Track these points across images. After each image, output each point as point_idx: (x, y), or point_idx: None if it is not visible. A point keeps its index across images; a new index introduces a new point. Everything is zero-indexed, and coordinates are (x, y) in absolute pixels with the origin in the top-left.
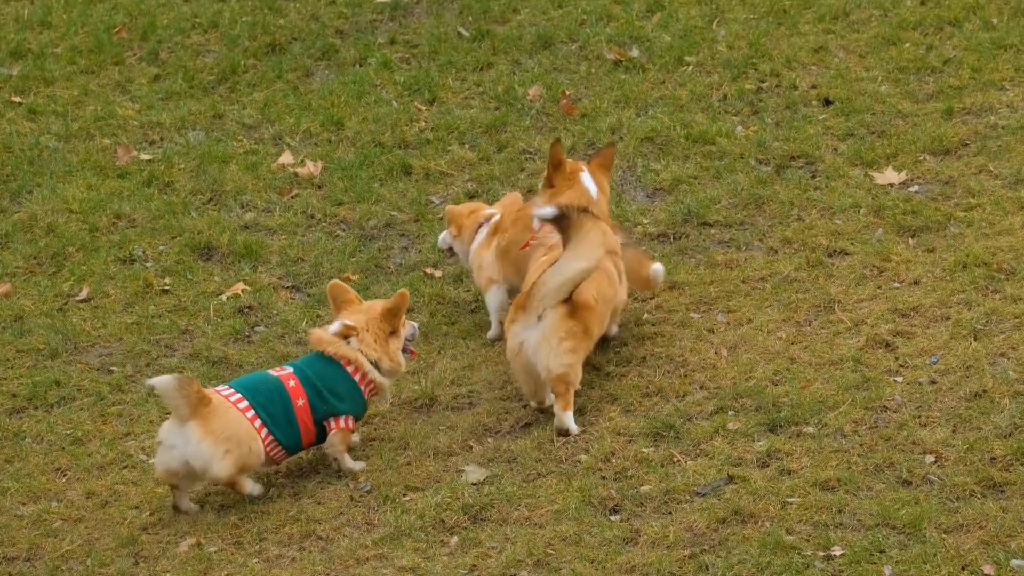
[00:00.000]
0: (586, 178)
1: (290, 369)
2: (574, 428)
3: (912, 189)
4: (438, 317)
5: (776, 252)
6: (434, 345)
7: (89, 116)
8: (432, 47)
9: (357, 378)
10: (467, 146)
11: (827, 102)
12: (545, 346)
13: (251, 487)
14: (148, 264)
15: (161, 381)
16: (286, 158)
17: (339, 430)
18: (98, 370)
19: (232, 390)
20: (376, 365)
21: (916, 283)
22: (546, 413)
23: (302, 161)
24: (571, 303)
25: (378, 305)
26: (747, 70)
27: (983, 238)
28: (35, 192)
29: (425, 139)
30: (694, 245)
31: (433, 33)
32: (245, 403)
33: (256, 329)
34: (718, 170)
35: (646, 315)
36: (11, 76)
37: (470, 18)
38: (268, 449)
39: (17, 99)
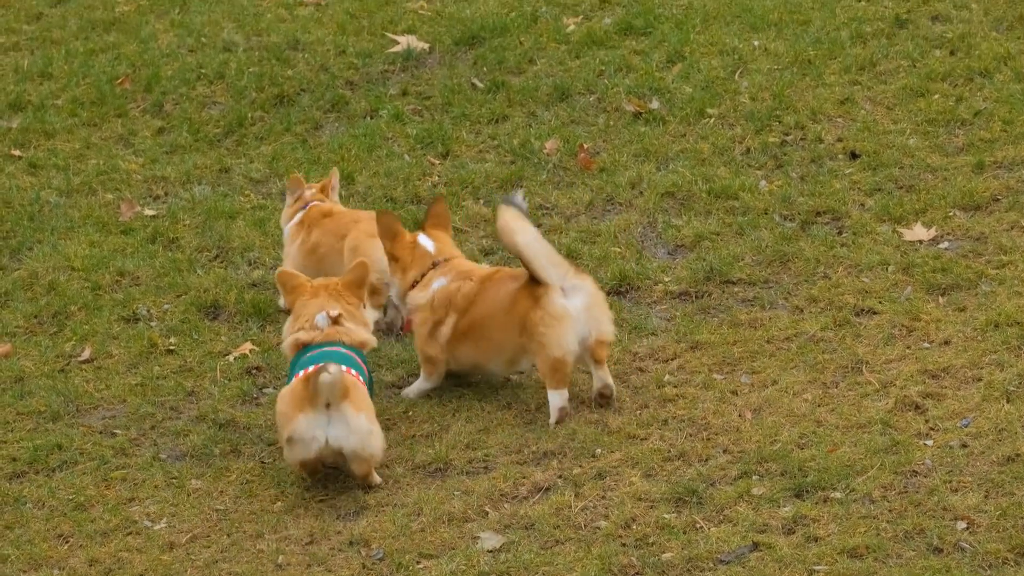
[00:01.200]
0: (424, 241)
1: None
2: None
3: (942, 246)
4: (451, 379)
5: (802, 311)
6: (448, 407)
7: (91, 170)
8: (445, 99)
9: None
10: (482, 201)
11: (854, 156)
12: (603, 314)
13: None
14: (152, 323)
15: (327, 379)
16: None
17: None
18: (101, 433)
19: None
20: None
21: (947, 343)
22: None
23: None
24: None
25: (340, 284)
26: (771, 122)
27: (1016, 296)
28: (36, 249)
29: (438, 194)
30: (717, 304)
31: (446, 84)
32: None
33: (264, 391)
34: (741, 226)
35: (667, 376)
36: (11, 129)
37: (484, 69)
38: None
39: (17, 153)
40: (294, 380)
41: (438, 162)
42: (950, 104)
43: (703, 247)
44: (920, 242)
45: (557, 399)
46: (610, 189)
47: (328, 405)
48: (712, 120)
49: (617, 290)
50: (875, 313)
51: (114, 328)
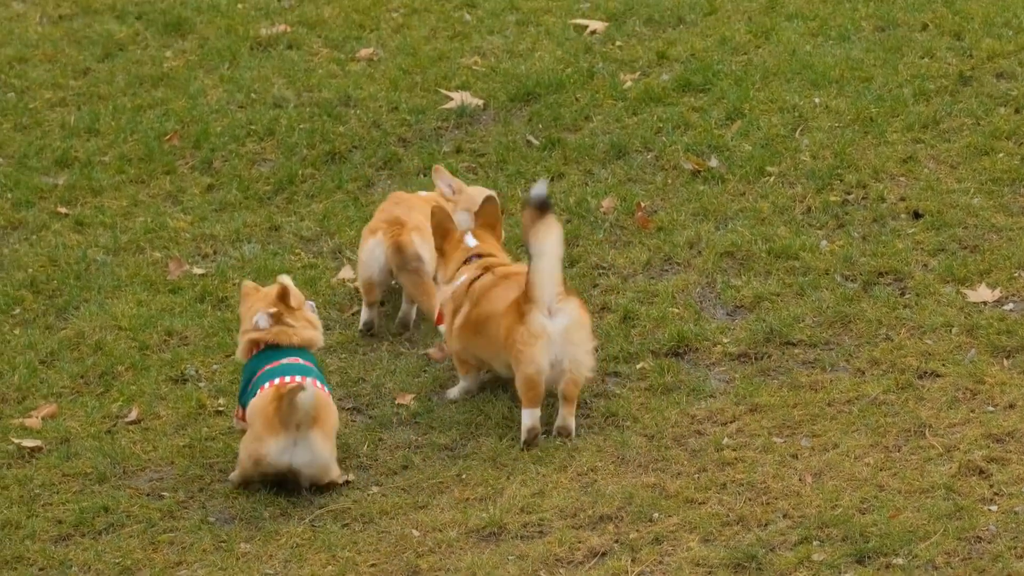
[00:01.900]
0: (469, 238)
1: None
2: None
3: (1007, 307)
4: (506, 441)
5: (863, 373)
6: (503, 470)
7: (139, 228)
8: (500, 156)
9: None
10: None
11: (917, 215)
12: (581, 344)
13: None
14: (201, 384)
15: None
16: (346, 273)
17: None
18: (148, 495)
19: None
20: None
21: (1011, 407)
22: None
23: None
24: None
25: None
26: (832, 181)
27: None
28: (82, 308)
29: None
30: (777, 366)
31: (501, 141)
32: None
33: None
34: (802, 287)
35: (726, 439)
36: (57, 186)
37: (540, 125)
38: None
39: (63, 210)
40: (262, 394)
41: None
42: (1015, 163)
43: (763, 308)
44: (984, 303)
45: (527, 418)
46: (668, 248)
47: (298, 427)
48: (772, 179)
49: (675, 351)
50: (938, 376)
51: (162, 388)
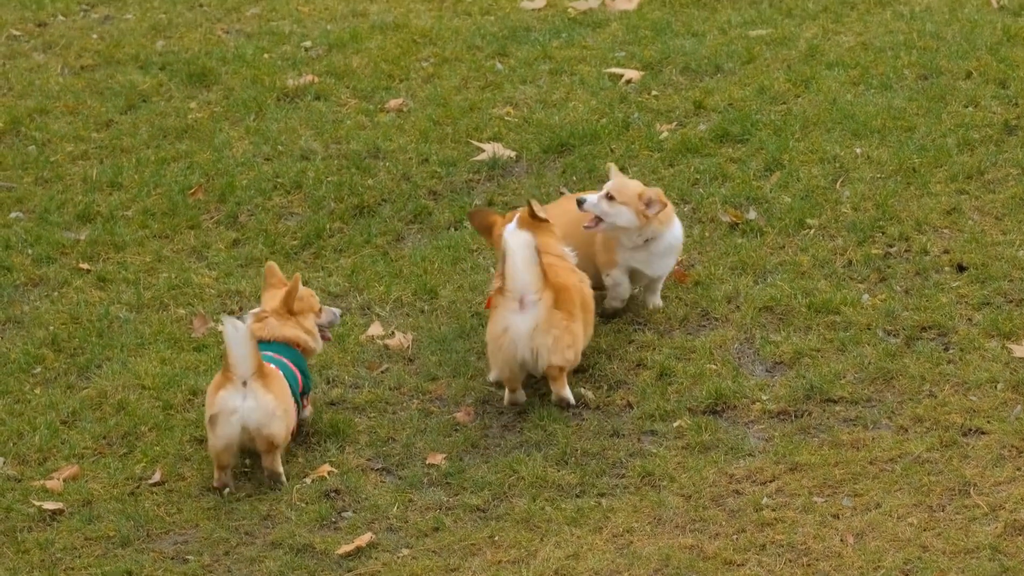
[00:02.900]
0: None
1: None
2: (572, 399)
3: None
4: (539, 502)
5: (906, 431)
6: (537, 532)
7: (162, 284)
8: None
9: None
10: None
11: (961, 268)
12: (542, 340)
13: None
14: None
15: (234, 322)
16: (375, 329)
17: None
18: (173, 559)
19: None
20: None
21: None
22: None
23: (392, 332)
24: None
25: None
26: (874, 233)
27: None
28: (104, 367)
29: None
30: (817, 423)
31: (534, 194)
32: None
33: (343, 515)
34: (843, 342)
35: (765, 499)
36: (79, 241)
37: (574, 177)
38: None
39: (85, 266)
40: None
41: None
42: None
43: (803, 364)
44: None
45: (505, 396)
46: (705, 303)
47: (244, 383)
48: (812, 231)
49: (713, 409)
50: (983, 433)
51: (186, 449)
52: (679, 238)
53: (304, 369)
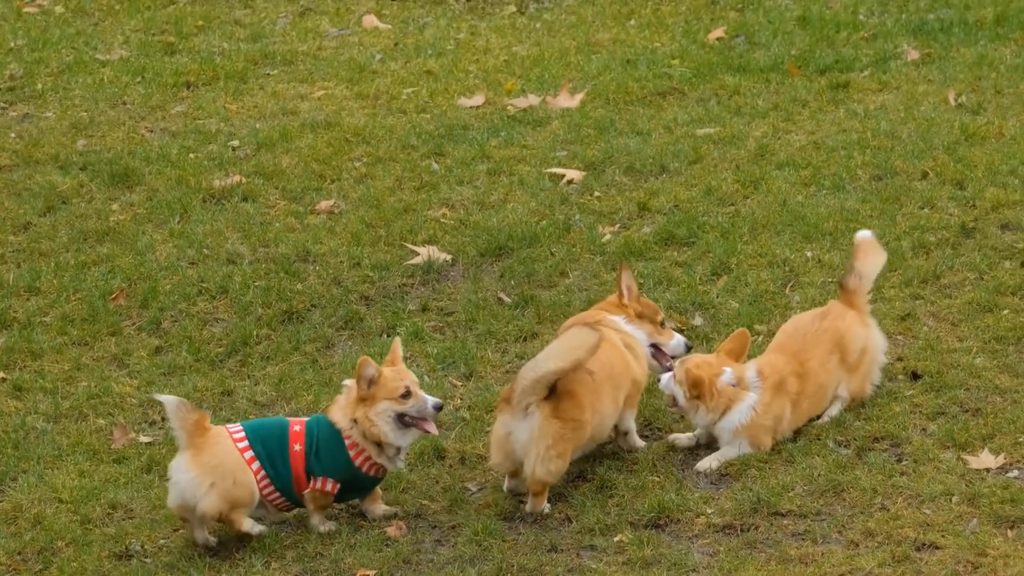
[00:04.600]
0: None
1: (304, 419)
2: (547, 508)
3: (1011, 474)
4: None
5: (857, 546)
6: None
7: (81, 393)
8: (469, 315)
9: (347, 444)
10: None
11: (915, 376)
12: (533, 450)
13: (250, 525)
14: (147, 560)
15: (166, 399)
16: None
17: (313, 490)
18: None
19: (238, 427)
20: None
21: None
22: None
23: None
24: (556, 399)
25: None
26: None
27: None
28: (20, 479)
29: (461, 418)
30: (764, 538)
31: (470, 299)
32: (242, 434)
33: None
34: (792, 453)
35: None
36: None
37: (512, 282)
38: (262, 488)
39: (1, 374)
40: None
41: (461, 384)
42: (1021, 320)
43: (749, 476)
44: (987, 470)
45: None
46: (648, 413)
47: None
48: (761, 337)
49: (655, 523)
50: (937, 548)
51: (105, 566)
52: None
53: (329, 450)
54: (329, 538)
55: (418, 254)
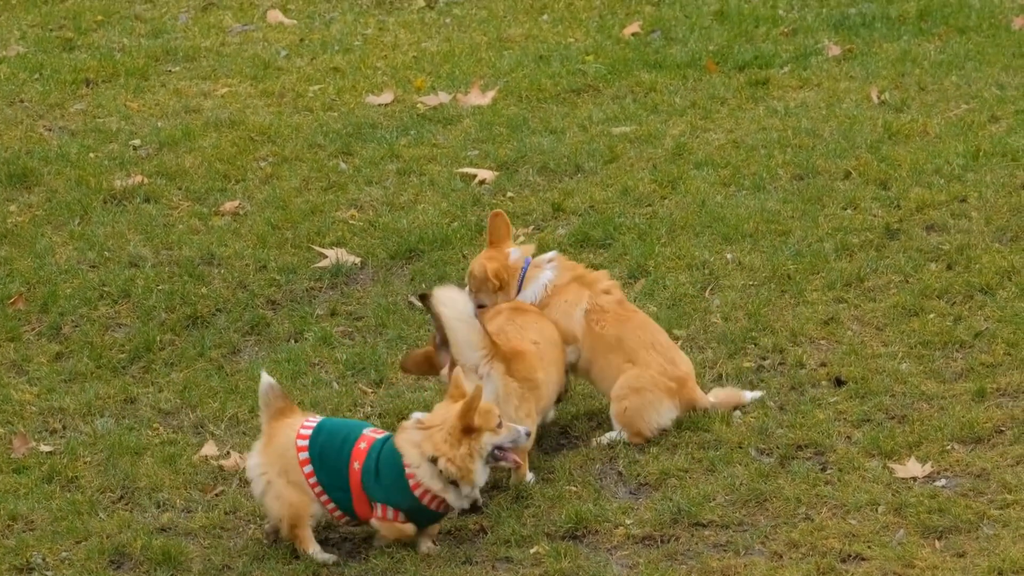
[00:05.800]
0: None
1: (383, 434)
2: (531, 478)
3: (939, 483)
4: None
5: (781, 557)
6: None
7: None
8: (379, 319)
9: (407, 472)
10: None
11: (839, 382)
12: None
13: (315, 549)
14: (48, 573)
15: (263, 376)
16: (209, 449)
17: (377, 519)
18: None
19: (313, 423)
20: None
21: None
22: None
23: (228, 453)
24: (505, 355)
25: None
26: (746, 345)
27: (1022, 540)
28: None
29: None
30: (685, 549)
31: (380, 304)
32: (306, 431)
33: None
34: (713, 462)
35: None
36: None
37: (423, 285)
38: (316, 493)
39: None
40: None
41: (371, 391)
42: (947, 324)
43: (669, 485)
44: (914, 479)
45: None
46: (565, 420)
47: None
48: (680, 342)
49: (573, 534)
50: (863, 559)
51: None
52: None
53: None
54: (237, 551)
55: (326, 257)
